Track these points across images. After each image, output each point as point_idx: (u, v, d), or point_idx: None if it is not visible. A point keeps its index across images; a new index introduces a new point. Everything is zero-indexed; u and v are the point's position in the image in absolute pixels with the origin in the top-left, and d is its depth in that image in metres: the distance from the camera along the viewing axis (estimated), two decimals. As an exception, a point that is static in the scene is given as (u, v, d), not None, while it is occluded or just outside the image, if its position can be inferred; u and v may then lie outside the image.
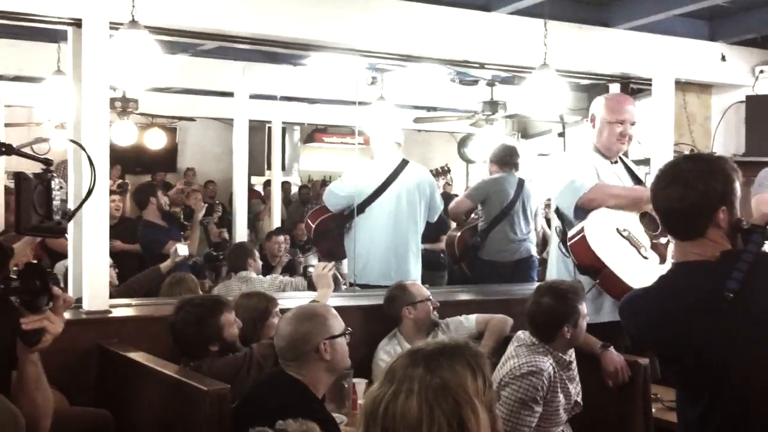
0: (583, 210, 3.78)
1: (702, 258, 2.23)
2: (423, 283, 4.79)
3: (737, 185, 2.26)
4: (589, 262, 3.61)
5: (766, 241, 2.23)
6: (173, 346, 3.44)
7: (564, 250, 3.86)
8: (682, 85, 6.31)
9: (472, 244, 5.86)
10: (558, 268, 3.98)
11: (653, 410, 3.52)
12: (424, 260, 5.85)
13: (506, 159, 5.99)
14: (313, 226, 5.52)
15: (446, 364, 1.64)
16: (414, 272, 5.21)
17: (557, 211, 4.01)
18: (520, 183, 5.93)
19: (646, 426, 3.44)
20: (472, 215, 6.32)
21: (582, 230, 3.66)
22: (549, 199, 9.06)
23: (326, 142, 12.36)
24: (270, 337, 3.52)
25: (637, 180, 4.05)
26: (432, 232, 6.12)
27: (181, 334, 3.37)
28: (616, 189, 3.85)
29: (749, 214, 3.27)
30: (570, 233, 3.75)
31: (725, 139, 6.58)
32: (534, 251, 6.06)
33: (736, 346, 2.15)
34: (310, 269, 4.73)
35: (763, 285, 2.16)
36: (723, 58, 6.27)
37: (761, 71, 6.39)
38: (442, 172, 6.04)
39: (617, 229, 3.65)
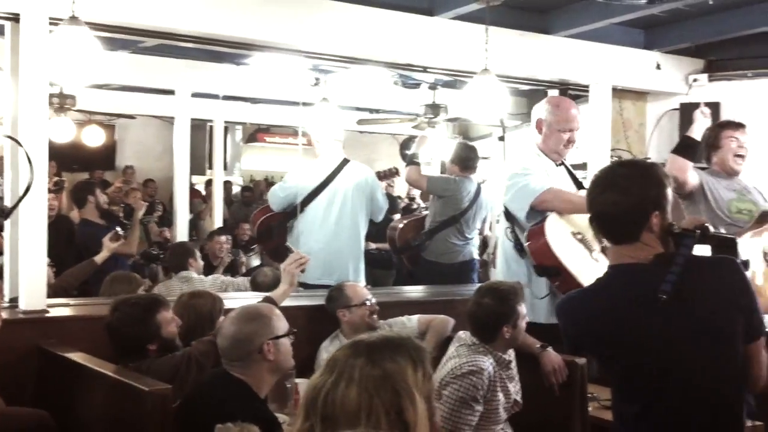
0: (535, 212, 3.86)
1: (636, 261, 2.31)
2: (372, 282, 4.79)
3: (669, 191, 2.35)
4: (549, 264, 3.68)
5: (696, 245, 2.33)
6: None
7: (518, 251, 3.93)
8: (618, 92, 6.47)
9: (416, 244, 5.91)
10: (509, 268, 4.04)
11: (590, 409, 3.61)
12: (373, 259, 5.86)
13: (468, 162, 6.00)
14: (256, 225, 5.56)
15: (388, 356, 1.66)
16: (352, 272, 5.21)
17: (507, 214, 4.06)
18: (478, 190, 5.98)
19: (582, 424, 3.52)
20: (418, 210, 6.37)
21: (543, 233, 3.72)
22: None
23: (268, 142, 12.31)
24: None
25: (577, 182, 4.15)
26: (382, 231, 6.16)
27: (119, 333, 3.34)
28: (570, 195, 3.92)
29: (680, 218, 3.40)
30: (528, 233, 3.82)
31: (659, 145, 6.76)
32: (476, 254, 6.14)
33: (670, 345, 2.24)
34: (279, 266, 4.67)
35: (696, 287, 2.25)
36: (658, 67, 6.45)
37: (695, 80, 6.59)
38: (390, 174, 6.05)
39: (572, 232, 3.73)
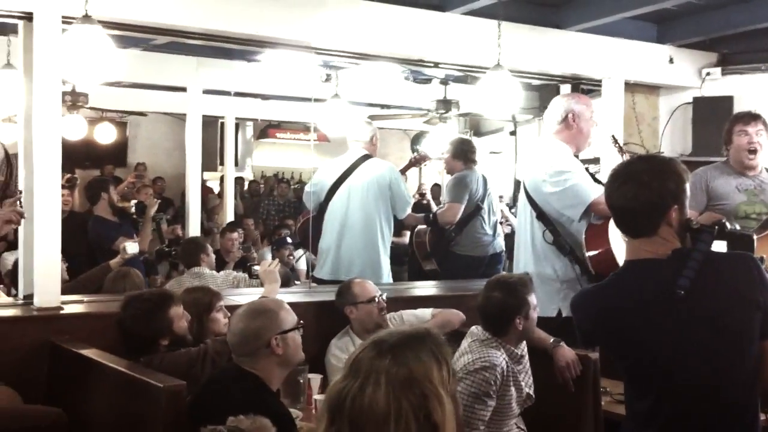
0: (587, 213, 3.85)
1: (653, 256, 2.28)
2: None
3: (688, 186, 2.33)
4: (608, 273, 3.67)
5: (714, 241, 2.30)
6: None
7: (565, 255, 3.92)
8: (631, 86, 6.43)
9: (446, 239, 5.89)
10: (555, 271, 4.01)
11: (602, 403, 3.60)
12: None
13: (470, 155, 5.99)
14: (297, 226, 6.03)
15: (411, 355, 1.65)
16: (368, 268, 5.16)
17: (541, 213, 4.02)
18: (484, 179, 5.98)
19: (595, 418, 3.51)
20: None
21: (607, 241, 3.70)
22: (501, 197, 9.16)
23: (279, 138, 12.32)
24: (215, 331, 3.53)
25: (595, 179, 4.09)
26: (395, 226, 6.15)
27: (131, 329, 3.36)
28: None
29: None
30: (587, 239, 3.80)
31: (672, 139, 6.73)
32: (503, 246, 6.13)
33: (683, 342, 2.21)
34: (255, 267, 4.70)
35: (711, 284, 2.22)
36: (671, 61, 6.41)
37: (708, 73, 6.55)
38: (418, 161, 6.09)
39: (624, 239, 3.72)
